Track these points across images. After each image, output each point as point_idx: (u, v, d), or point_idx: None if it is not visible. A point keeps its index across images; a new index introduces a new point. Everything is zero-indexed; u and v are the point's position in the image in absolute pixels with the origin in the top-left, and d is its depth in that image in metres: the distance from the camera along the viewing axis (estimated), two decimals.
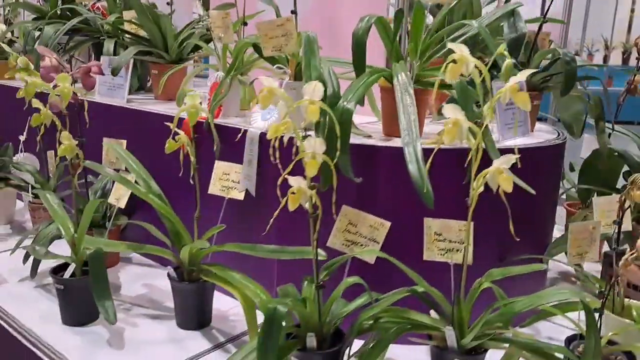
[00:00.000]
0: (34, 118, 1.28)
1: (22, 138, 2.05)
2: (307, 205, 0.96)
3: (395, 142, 1.24)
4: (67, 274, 1.32)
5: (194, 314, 1.34)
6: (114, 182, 1.63)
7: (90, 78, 1.53)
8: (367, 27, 1.21)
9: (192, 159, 1.27)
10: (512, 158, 0.88)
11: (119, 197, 1.46)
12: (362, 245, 1.04)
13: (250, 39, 1.47)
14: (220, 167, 1.41)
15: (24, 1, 2.39)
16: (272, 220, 1.02)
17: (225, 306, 1.42)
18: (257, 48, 1.44)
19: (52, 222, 1.58)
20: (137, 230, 1.58)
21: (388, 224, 1.04)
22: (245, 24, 1.53)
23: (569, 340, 1.11)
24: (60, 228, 1.40)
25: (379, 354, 0.99)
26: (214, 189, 1.41)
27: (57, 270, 1.36)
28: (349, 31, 1.23)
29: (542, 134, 1.49)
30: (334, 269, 1.08)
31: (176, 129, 1.25)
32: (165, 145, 1.24)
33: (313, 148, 0.92)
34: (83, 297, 1.33)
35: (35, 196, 1.86)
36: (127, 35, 1.91)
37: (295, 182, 0.95)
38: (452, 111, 0.87)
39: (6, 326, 1.35)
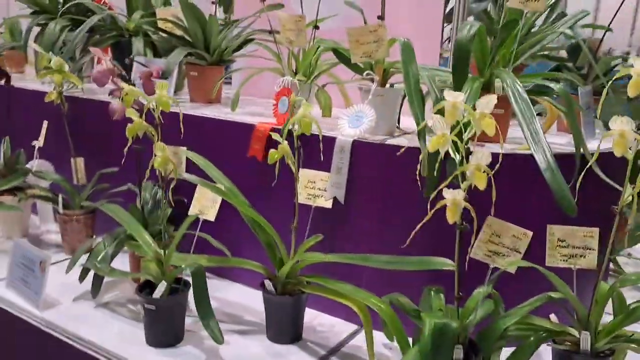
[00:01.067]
0: (129, 129, 1.18)
1: (36, 144, 1.89)
2: None
3: (494, 149, 1.26)
4: (157, 293, 1.24)
5: (290, 327, 1.30)
6: (163, 191, 1.55)
7: (152, 83, 1.44)
8: (472, 35, 1.21)
9: (294, 168, 1.23)
10: None
11: (203, 208, 1.38)
12: (504, 255, 1.05)
13: (326, 43, 1.44)
14: (305, 175, 1.37)
15: None
16: (413, 233, 1.00)
17: (308, 318, 1.39)
18: (337, 53, 1.41)
19: (108, 235, 1.49)
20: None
21: (530, 233, 1.05)
22: (317, 27, 1.49)
23: None
24: (143, 245, 1.31)
25: None
26: (301, 197, 1.37)
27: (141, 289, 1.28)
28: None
29: None
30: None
31: (278, 137, 1.21)
32: (247, 153, 1.19)
33: (477, 160, 0.92)
34: (172, 316, 1.26)
35: (65, 207, 1.73)
36: (161, 34, 1.81)
37: (450, 194, 0.95)
38: (619, 123, 0.90)
39: (85, 349, 1.25)
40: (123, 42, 1.96)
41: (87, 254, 1.46)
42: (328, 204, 1.36)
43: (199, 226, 1.44)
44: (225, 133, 1.55)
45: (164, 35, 1.81)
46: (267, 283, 1.27)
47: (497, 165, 0.94)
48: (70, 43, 1.84)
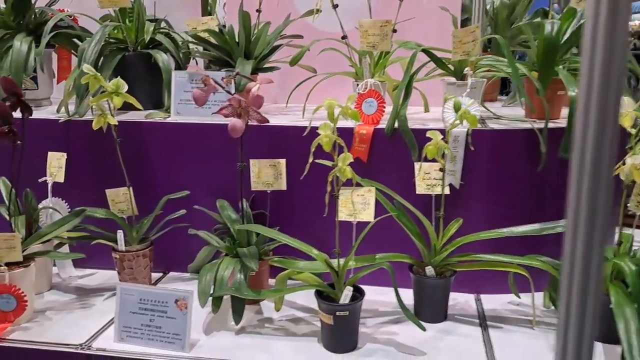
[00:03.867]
0: (325, 143, 1.15)
1: (49, 180, 1.63)
2: None
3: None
4: (344, 299, 1.25)
5: (442, 307, 1.42)
6: (249, 205, 1.52)
7: (261, 99, 1.41)
8: (557, 30, 1.46)
9: (442, 162, 1.34)
10: None
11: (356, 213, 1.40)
12: None
13: (411, 45, 1.56)
14: (419, 167, 1.49)
15: None
16: None
17: None
18: (429, 54, 1.54)
19: (218, 261, 1.41)
20: None
21: None
22: (394, 31, 1.59)
23: None
24: (317, 255, 1.30)
25: None
26: (420, 189, 1.48)
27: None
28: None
29: None
30: None
31: (434, 135, 1.31)
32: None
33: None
34: (356, 319, 1.28)
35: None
36: (201, 45, 1.71)
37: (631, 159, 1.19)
38: None
39: None
40: (127, 57, 1.79)
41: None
42: (446, 191, 1.49)
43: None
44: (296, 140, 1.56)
45: (199, 46, 1.71)
46: (429, 269, 1.37)
47: None
48: (89, 62, 1.62)
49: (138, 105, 1.49)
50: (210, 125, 1.63)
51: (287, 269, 1.37)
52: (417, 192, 1.47)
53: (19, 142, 1.35)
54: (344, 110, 1.17)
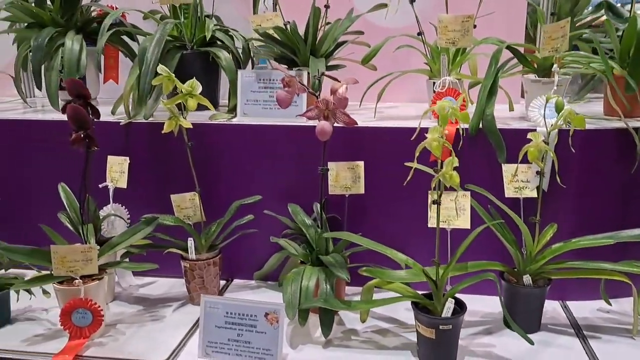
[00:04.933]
0: (434, 148, 1.08)
1: (110, 185, 1.56)
2: None
3: None
4: (446, 312, 1.18)
5: (537, 316, 1.36)
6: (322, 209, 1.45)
7: (346, 100, 1.33)
8: None
9: (541, 165, 1.27)
10: None
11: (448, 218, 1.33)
12: None
13: (492, 40, 1.49)
14: (508, 169, 1.42)
15: (20, 3, 1.73)
16: None
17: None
18: (513, 50, 1.47)
19: (299, 270, 1.34)
20: None
21: None
22: (474, 26, 1.51)
23: None
24: (413, 265, 1.23)
25: None
26: (508, 192, 1.41)
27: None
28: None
29: None
30: None
31: (535, 137, 1.24)
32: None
33: None
34: (457, 332, 1.21)
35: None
36: (263, 42, 1.64)
37: None
38: None
39: None
40: (186, 55, 1.72)
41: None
42: (534, 194, 1.43)
43: None
44: (396, 140, 1.49)
45: (263, 42, 1.64)
46: (526, 278, 1.31)
47: None
48: (151, 62, 1.55)
49: (211, 106, 1.42)
50: (278, 127, 1.56)
51: (376, 278, 1.30)
52: (505, 196, 1.40)
53: (95, 148, 1.27)
54: (454, 112, 1.10)
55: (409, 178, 1.14)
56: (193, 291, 1.51)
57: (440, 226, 1.28)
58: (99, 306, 1.27)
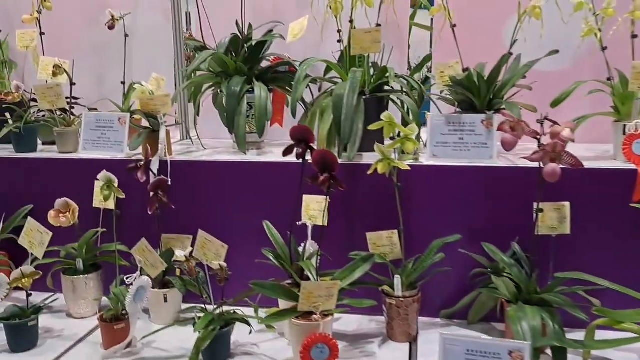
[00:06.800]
0: None
1: (309, 223, 1.61)
2: None
3: None
4: None
5: None
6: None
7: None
8: None
9: None
10: None
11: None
12: None
13: None
14: None
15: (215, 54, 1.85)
16: None
17: None
18: None
19: None
20: None
21: None
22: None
23: None
24: None
25: None
26: None
27: None
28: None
29: None
30: None
31: None
32: None
33: None
34: None
35: None
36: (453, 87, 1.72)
37: None
38: None
39: None
40: (367, 100, 1.80)
41: None
42: None
43: None
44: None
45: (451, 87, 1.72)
46: None
47: None
48: (350, 108, 1.64)
49: (421, 148, 1.49)
50: (469, 168, 1.62)
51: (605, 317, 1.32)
52: None
53: (340, 188, 1.34)
54: None
55: None
56: (397, 328, 1.54)
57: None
58: (336, 342, 1.32)
